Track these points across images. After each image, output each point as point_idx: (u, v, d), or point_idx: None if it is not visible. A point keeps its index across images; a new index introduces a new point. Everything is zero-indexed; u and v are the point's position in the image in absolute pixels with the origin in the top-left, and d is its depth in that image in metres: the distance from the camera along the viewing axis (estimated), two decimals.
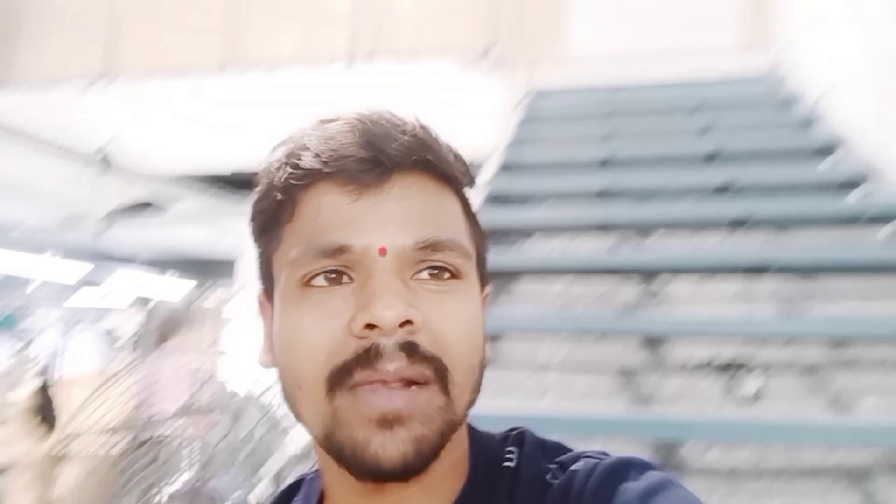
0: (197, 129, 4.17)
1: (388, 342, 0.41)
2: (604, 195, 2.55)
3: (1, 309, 7.85)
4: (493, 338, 2.00)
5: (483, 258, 0.50)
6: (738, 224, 2.21)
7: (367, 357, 0.41)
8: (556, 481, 0.46)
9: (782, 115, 2.94)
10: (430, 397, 0.42)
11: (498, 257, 2.29)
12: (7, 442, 5.38)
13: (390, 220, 0.43)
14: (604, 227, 2.34)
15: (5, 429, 5.35)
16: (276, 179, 0.46)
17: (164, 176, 3.70)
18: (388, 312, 0.40)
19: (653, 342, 1.92)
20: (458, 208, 0.48)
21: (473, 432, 0.50)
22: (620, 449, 0.48)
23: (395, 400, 0.41)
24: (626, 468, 0.44)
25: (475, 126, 3.04)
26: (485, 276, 0.50)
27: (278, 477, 1.64)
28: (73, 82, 4.44)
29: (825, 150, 2.54)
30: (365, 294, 0.42)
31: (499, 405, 1.83)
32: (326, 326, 0.42)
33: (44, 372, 5.89)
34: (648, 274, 2.12)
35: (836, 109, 2.71)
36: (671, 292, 2.08)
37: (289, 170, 0.45)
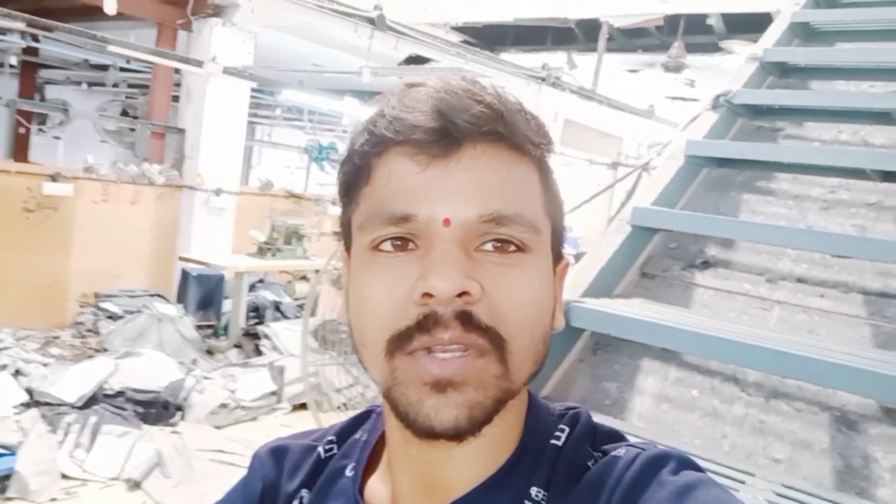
0: None
1: (446, 310, 0.42)
2: None
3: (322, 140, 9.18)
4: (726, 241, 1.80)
5: (559, 231, 0.50)
6: None
7: (426, 323, 0.43)
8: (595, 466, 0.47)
9: None
10: (485, 365, 0.43)
11: (751, 146, 2.02)
12: (327, 250, 6.42)
13: (456, 191, 0.44)
14: None
15: (327, 239, 6.28)
16: (356, 144, 0.48)
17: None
18: (443, 283, 0.42)
19: None
20: (532, 179, 0.48)
21: (533, 403, 0.51)
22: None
23: (448, 367, 0.42)
24: (666, 462, 0.45)
25: None
26: (560, 250, 0.51)
27: None
28: None
29: None
30: (425, 263, 0.43)
31: (720, 307, 1.68)
32: (391, 291, 0.44)
33: None
34: None
35: None
36: None
37: (365, 135, 0.47)
